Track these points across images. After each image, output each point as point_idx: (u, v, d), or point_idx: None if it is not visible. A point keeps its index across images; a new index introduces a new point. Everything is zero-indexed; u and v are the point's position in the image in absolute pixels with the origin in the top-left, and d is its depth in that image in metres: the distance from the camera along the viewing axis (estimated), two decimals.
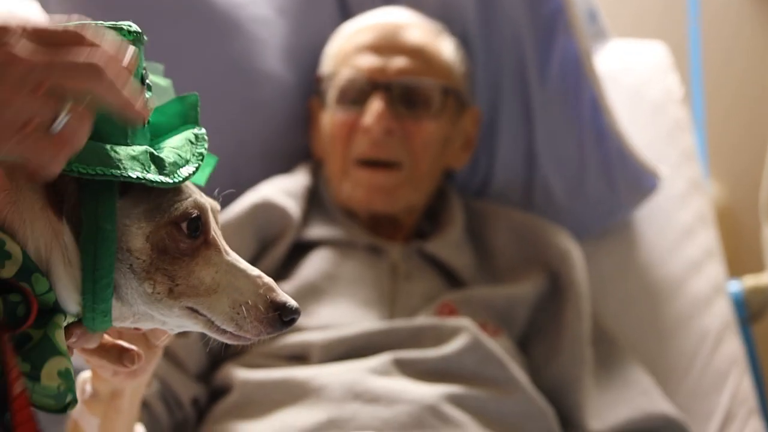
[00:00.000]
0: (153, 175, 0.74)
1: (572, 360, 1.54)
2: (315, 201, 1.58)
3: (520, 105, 1.70)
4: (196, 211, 0.76)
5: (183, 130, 0.83)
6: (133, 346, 0.86)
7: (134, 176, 0.72)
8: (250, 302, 0.78)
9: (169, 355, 1.30)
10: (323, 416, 1.34)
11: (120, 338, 0.86)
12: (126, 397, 1.03)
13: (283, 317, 0.79)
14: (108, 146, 0.73)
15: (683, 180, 1.75)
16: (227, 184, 1.19)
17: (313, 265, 1.52)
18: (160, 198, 0.76)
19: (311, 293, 1.49)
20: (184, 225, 0.75)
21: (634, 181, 1.69)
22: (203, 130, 0.82)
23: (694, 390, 1.57)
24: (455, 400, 1.37)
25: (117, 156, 0.73)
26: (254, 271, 0.80)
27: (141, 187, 0.74)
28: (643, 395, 1.54)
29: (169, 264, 0.76)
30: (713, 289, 1.68)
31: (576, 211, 1.73)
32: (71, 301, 0.74)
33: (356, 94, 1.53)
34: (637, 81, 1.83)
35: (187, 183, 0.78)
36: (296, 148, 1.66)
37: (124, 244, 0.74)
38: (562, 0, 1.69)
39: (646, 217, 1.74)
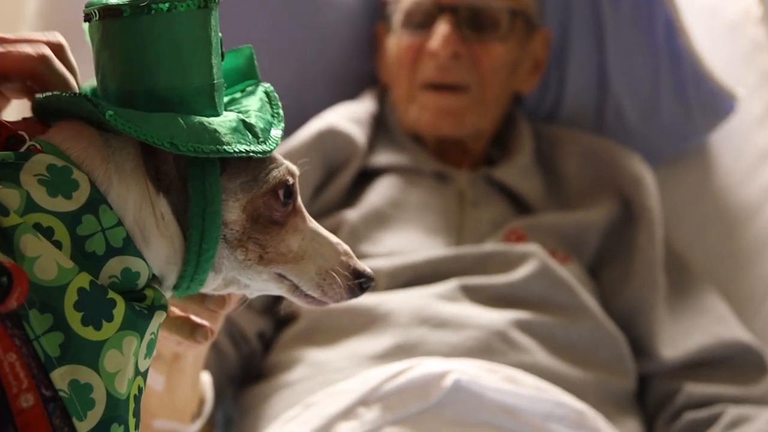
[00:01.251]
0: (255, 146, 0.76)
1: (645, 286, 1.52)
2: (381, 127, 1.59)
3: (592, 26, 1.69)
4: (290, 177, 0.78)
5: (244, 86, 0.85)
6: (205, 322, 0.89)
7: (243, 150, 0.75)
8: (334, 269, 0.80)
9: None
10: (391, 342, 1.35)
11: (184, 310, 0.89)
12: (189, 359, 1.08)
13: (363, 285, 0.81)
14: (210, 121, 0.76)
15: (761, 102, 1.71)
16: (293, 111, 1.20)
17: (380, 191, 1.53)
18: (257, 169, 0.78)
19: (377, 220, 1.51)
20: (280, 192, 0.78)
21: (710, 103, 1.67)
22: (271, 86, 0.85)
23: None
24: (523, 326, 1.37)
25: (223, 131, 0.75)
26: (333, 237, 0.82)
27: (238, 160, 0.76)
28: (718, 322, 1.52)
29: (260, 233, 0.78)
30: None
31: (649, 135, 1.71)
32: (155, 267, 0.77)
33: (422, 17, 1.50)
34: None
35: None
36: (362, 73, 1.66)
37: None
38: None
39: (721, 140, 1.71)
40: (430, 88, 1.51)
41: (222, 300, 0.91)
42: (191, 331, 0.89)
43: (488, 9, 1.55)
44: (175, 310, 0.88)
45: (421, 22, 1.52)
